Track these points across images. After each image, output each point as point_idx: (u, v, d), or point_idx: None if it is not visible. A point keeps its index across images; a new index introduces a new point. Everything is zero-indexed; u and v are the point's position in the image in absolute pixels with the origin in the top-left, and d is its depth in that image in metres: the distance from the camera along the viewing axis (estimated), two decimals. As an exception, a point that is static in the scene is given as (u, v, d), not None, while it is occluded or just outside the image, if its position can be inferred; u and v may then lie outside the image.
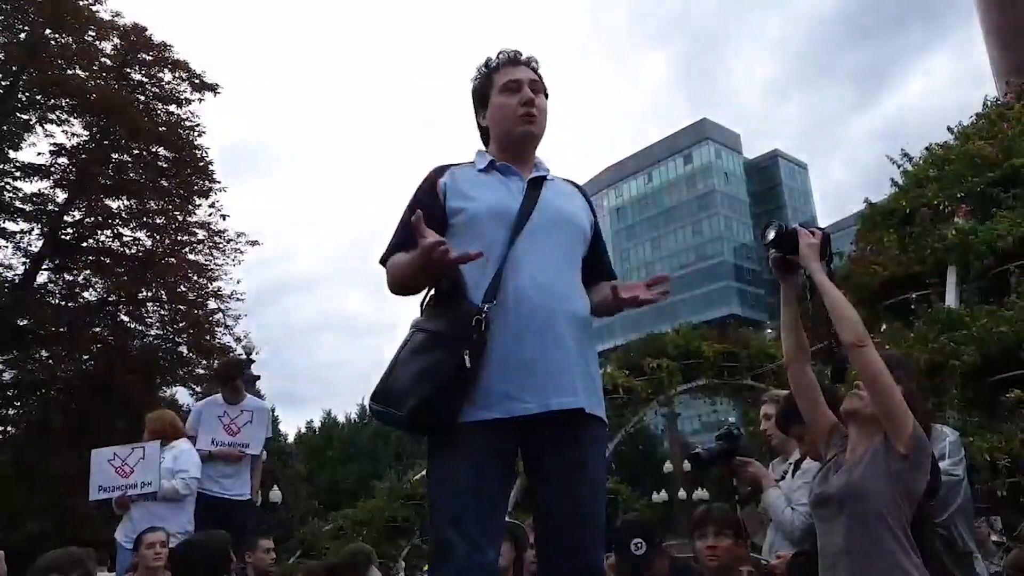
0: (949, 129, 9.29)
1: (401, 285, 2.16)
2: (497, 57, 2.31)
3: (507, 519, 2.94)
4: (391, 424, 2.13)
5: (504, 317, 2.02)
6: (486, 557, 1.94)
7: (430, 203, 2.18)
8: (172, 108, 18.50)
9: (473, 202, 2.16)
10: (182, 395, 20.24)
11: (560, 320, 2.08)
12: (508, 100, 2.23)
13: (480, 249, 2.05)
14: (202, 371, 19.00)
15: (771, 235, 2.43)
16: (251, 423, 5.39)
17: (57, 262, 17.73)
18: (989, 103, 9.92)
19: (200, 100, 18.49)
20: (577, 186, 2.44)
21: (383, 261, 2.20)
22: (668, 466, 27.75)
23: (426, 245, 1.90)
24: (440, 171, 2.25)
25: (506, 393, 1.99)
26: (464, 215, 2.15)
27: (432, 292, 2.15)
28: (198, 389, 20.04)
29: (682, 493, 26.17)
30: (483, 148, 2.36)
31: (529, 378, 2.01)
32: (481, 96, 2.32)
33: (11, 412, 17.90)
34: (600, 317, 2.33)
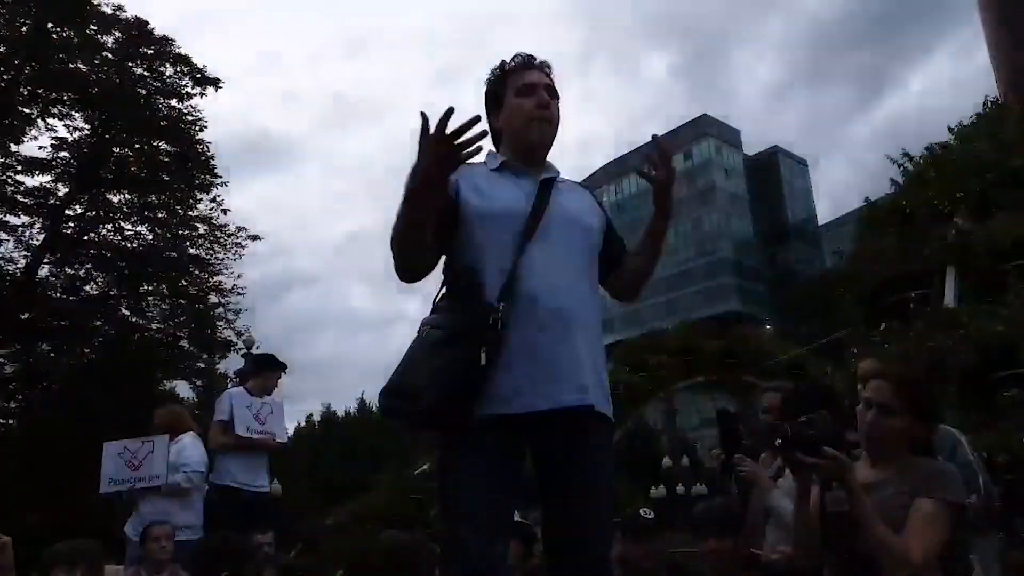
0: (949, 129, 9.32)
1: (397, 239, 2.07)
2: (512, 60, 2.33)
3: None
4: (404, 419, 2.16)
5: (517, 317, 2.06)
6: (496, 550, 1.99)
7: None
8: (174, 102, 18.48)
9: (486, 201, 2.19)
10: (183, 389, 20.27)
11: (572, 320, 2.12)
12: (523, 103, 2.26)
13: (493, 250, 2.11)
14: (203, 365, 19.05)
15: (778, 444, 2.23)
16: (272, 415, 5.44)
17: (59, 256, 17.73)
18: (989, 104, 9.94)
19: (202, 95, 18.49)
20: (587, 187, 2.49)
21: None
22: (667, 461, 27.75)
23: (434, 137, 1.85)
24: None
25: (518, 390, 2.03)
26: (476, 213, 2.17)
27: (444, 291, 2.19)
28: (199, 383, 20.09)
29: (680, 488, 26.20)
30: (494, 149, 2.39)
31: (541, 376, 2.05)
32: (495, 97, 2.34)
33: (12, 405, 17.91)
34: (644, 279, 2.41)
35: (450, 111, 1.85)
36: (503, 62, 2.35)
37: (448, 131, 1.85)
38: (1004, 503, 4.92)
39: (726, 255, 78.91)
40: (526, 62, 2.32)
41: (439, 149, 1.87)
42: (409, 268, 2.15)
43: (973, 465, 2.90)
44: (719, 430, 3.51)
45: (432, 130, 1.86)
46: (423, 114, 1.87)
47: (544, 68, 2.33)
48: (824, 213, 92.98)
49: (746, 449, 3.56)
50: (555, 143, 2.37)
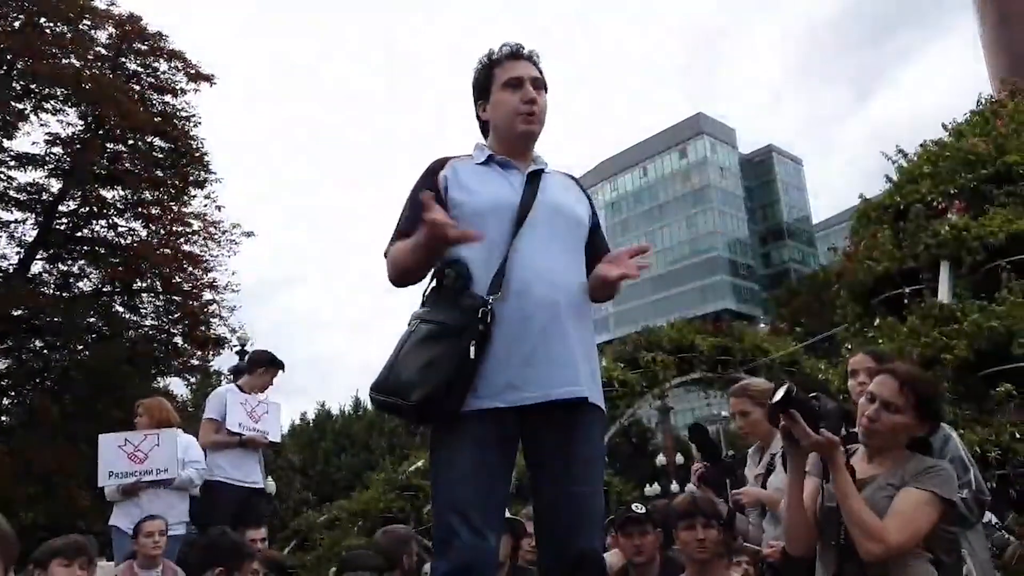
0: (944, 126, 9.34)
1: (402, 271, 2.18)
2: (499, 50, 2.32)
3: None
4: (395, 414, 2.18)
5: (508, 309, 2.07)
6: (487, 543, 1.99)
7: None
8: (167, 98, 18.39)
9: (474, 195, 2.19)
10: (177, 386, 20.23)
11: (563, 312, 2.12)
12: (510, 97, 2.26)
13: (482, 244, 2.10)
14: (196, 362, 19.00)
15: (779, 395, 2.18)
16: (268, 414, 5.44)
17: (52, 252, 17.67)
18: (983, 101, 9.97)
19: (196, 91, 18.41)
20: (573, 178, 2.48)
21: (386, 253, 2.23)
22: (661, 458, 27.79)
23: (430, 219, 1.95)
24: (440, 163, 2.28)
25: (509, 383, 2.04)
26: (465, 208, 2.18)
27: (434, 284, 2.19)
28: (192, 380, 20.06)
29: (675, 486, 26.23)
30: (481, 140, 2.39)
31: (532, 368, 2.05)
32: (482, 88, 2.34)
33: (5, 402, 17.86)
34: (598, 303, 2.36)
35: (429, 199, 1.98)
36: (490, 51, 2.34)
37: (437, 222, 1.97)
38: (995, 498, 4.95)
39: (721, 253, 79.14)
40: (514, 52, 2.31)
41: (434, 243, 2.02)
42: (403, 285, 2.22)
43: (964, 459, 2.92)
44: (695, 444, 3.53)
45: (430, 226, 1.98)
46: (424, 195, 2.00)
47: (532, 58, 2.32)
48: (818, 212, 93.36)
49: (726, 465, 3.58)
50: (550, 140, 2.40)
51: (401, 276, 2.20)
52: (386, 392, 2.07)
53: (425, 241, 2.02)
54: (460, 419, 2.03)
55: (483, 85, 2.33)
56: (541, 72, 2.33)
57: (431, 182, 2.23)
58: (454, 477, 2.03)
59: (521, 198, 2.20)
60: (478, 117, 2.38)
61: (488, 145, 2.35)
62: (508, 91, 2.26)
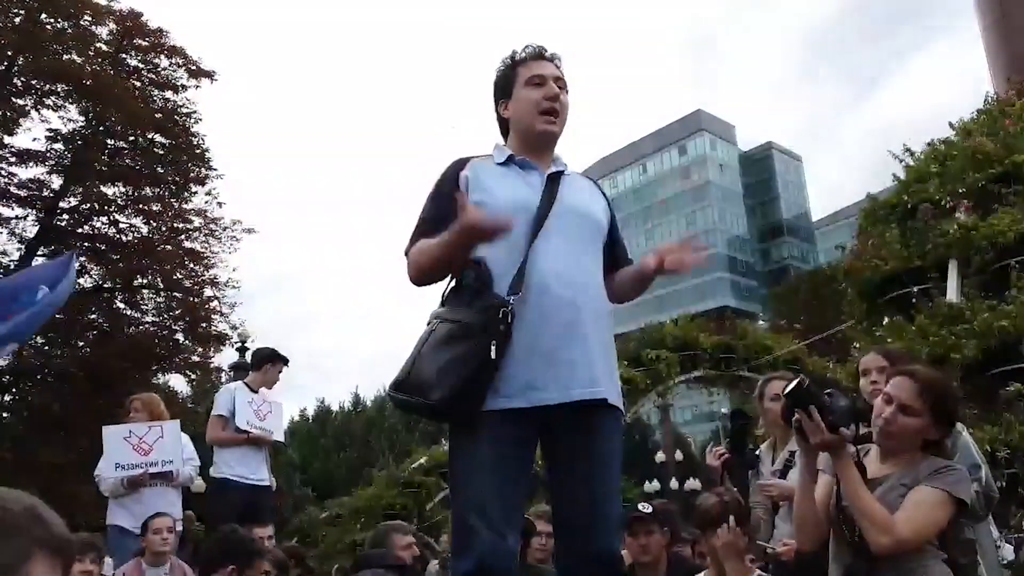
0: (951, 125, 9.33)
1: (425, 269, 2.17)
2: (523, 50, 2.34)
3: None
4: (415, 412, 2.20)
5: (528, 309, 2.07)
6: (507, 543, 2.00)
7: (452, 196, 2.21)
8: (168, 94, 18.31)
9: (494, 196, 2.19)
10: (178, 382, 20.22)
11: (582, 313, 2.13)
12: (533, 94, 2.27)
13: (502, 245, 2.10)
14: (198, 358, 18.97)
15: (790, 387, 2.18)
16: (271, 413, 5.44)
17: (53, 248, 17.62)
18: (990, 99, 9.95)
19: (197, 87, 18.34)
20: (593, 182, 2.50)
21: (407, 252, 2.22)
22: (660, 456, 27.80)
23: (468, 214, 1.97)
24: (461, 164, 2.28)
25: (529, 383, 2.04)
26: (486, 208, 2.16)
27: (453, 284, 2.19)
28: (194, 376, 20.03)
29: (674, 483, 26.25)
30: (500, 141, 2.39)
31: (552, 369, 2.05)
32: (504, 87, 2.35)
33: (7, 399, 17.85)
34: (629, 299, 2.39)
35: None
36: (513, 52, 2.36)
37: (477, 221, 1.99)
38: (1004, 497, 4.95)
39: (720, 250, 79.15)
40: (537, 53, 2.33)
41: (470, 234, 2.00)
42: (424, 283, 2.22)
43: (975, 457, 2.93)
44: (732, 428, 3.50)
45: (465, 218, 1.98)
46: (457, 195, 2.03)
47: (555, 60, 2.35)
48: (818, 209, 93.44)
49: (748, 459, 3.57)
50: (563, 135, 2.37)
51: (424, 274, 2.19)
52: (406, 391, 2.07)
53: (459, 231, 2.00)
54: (480, 419, 2.02)
55: (505, 84, 2.34)
56: (563, 75, 2.34)
57: (453, 182, 2.23)
58: (474, 476, 2.04)
59: (541, 199, 2.20)
60: (499, 116, 2.39)
61: (508, 145, 2.35)
62: (531, 88, 2.28)
